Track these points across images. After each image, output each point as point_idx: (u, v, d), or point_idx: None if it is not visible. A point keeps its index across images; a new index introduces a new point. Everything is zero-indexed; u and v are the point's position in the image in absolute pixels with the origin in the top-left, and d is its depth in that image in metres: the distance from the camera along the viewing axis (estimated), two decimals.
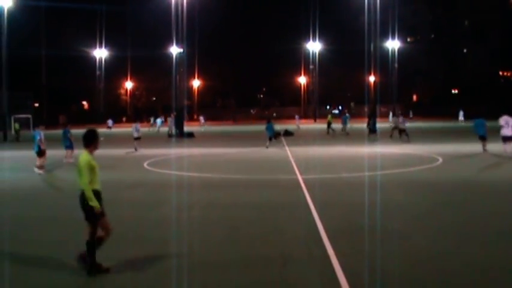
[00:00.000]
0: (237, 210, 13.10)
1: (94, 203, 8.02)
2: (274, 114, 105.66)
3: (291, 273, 8.30)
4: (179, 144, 39.91)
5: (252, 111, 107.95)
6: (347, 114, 54.15)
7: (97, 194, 8.18)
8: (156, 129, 67.39)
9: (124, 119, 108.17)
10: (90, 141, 8.41)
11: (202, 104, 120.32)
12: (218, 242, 10.05)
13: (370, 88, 57.38)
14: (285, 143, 36.18)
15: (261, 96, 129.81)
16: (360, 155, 28.09)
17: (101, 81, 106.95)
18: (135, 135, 33.74)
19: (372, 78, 58.69)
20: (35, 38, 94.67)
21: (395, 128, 39.49)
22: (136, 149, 32.63)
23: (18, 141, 47.97)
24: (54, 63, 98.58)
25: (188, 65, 74.19)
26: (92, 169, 8.16)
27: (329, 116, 52.19)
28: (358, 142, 37.10)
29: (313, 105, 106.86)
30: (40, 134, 22.78)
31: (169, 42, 66.07)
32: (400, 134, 37.24)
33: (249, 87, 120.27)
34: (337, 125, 50.28)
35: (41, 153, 22.50)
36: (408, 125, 39.56)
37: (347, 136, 44.26)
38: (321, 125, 63.53)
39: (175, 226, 11.35)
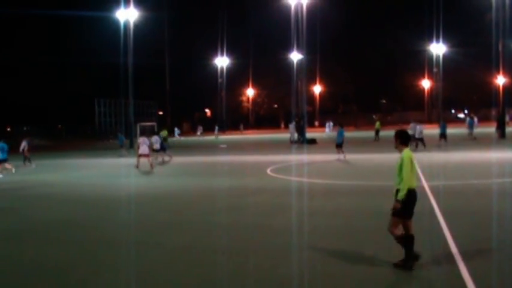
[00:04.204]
0: (360, 218, 12.90)
1: (402, 197, 8.51)
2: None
3: (419, 284, 8.10)
4: (301, 150, 40.02)
5: (374, 116, 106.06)
6: (474, 118, 52.05)
7: (413, 192, 8.67)
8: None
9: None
10: (408, 139, 8.95)
11: (323, 109, 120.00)
12: (340, 251, 9.91)
13: (498, 90, 54.74)
14: None
15: (383, 101, 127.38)
16: (488, 160, 26.93)
17: (223, 88, 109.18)
18: (155, 147, 31.79)
19: (500, 80, 56.08)
20: (158, 47, 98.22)
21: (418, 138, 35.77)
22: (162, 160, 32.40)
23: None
24: (178, 71, 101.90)
25: (309, 71, 74.27)
26: (412, 165, 8.63)
27: (377, 123, 50.98)
28: (486, 147, 35.61)
29: (437, 109, 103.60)
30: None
31: (290, 48, 66.53)
32: (416, 143, 34.98)
33: (370, 92, 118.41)
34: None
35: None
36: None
37: (474, 141, 42.62)
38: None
39: (298, 233, 11.34)
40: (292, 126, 54.22)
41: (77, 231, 12.80)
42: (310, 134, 56.72)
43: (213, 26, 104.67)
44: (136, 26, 57.66)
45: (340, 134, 30.63)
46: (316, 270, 8.77)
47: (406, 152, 8.65)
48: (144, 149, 27.65)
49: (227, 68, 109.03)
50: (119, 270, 9.26)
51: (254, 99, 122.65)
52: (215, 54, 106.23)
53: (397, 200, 8.54)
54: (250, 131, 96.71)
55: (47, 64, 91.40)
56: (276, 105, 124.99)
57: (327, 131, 71.24)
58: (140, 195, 18.46)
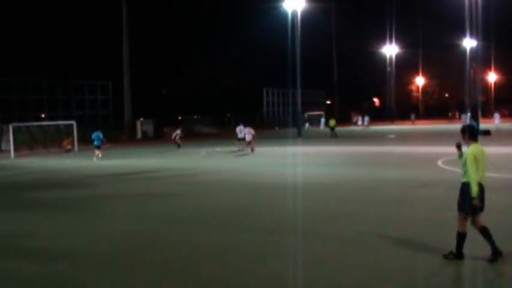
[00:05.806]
0: None
1: (475, 193, 8.46)
2: None
3: None
4: None
5: None
6: None
7: (479, 188, 8.57)
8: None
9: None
10: (476, 134, 9.09)
11: (499, 99, 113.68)
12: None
13: None
14: None
15: None
16: None
17: (391, 78, 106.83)
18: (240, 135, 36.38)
19: None
20: (326, 36, 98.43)
21: None
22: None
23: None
24: (346, 60, 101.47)
25: (484, 58, 70.55)
26: (477, 159, 8.60)
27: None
28: None
29: None
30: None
31: (462, 34, 63.72)
32: None
33: None
34: None
35: None
36: None
37: None
38: None
39: (470, 230, 10.68)
40: (465, 116, 51.94)
41: (243, 217, 13.11)
42: (483, 125, 53.94)
43: (380, 13, 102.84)
44: (303, 15, 58.02)
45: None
46: (486, 268, 8.34)
47: (473, 147, 8.69)
48: (249, 137, 34.47)
49: (397, 56, 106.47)
50: (285, 258, 9.31)
51: (424, 89, 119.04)
52: (383, 42, 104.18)
53: (472, 198, 8.47)
54: (421, 121, 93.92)
55: (218, 55, 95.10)
56: (446, 95, 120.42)
57: (496, 122, 67.22)
58: (308, 184, 18.55)
